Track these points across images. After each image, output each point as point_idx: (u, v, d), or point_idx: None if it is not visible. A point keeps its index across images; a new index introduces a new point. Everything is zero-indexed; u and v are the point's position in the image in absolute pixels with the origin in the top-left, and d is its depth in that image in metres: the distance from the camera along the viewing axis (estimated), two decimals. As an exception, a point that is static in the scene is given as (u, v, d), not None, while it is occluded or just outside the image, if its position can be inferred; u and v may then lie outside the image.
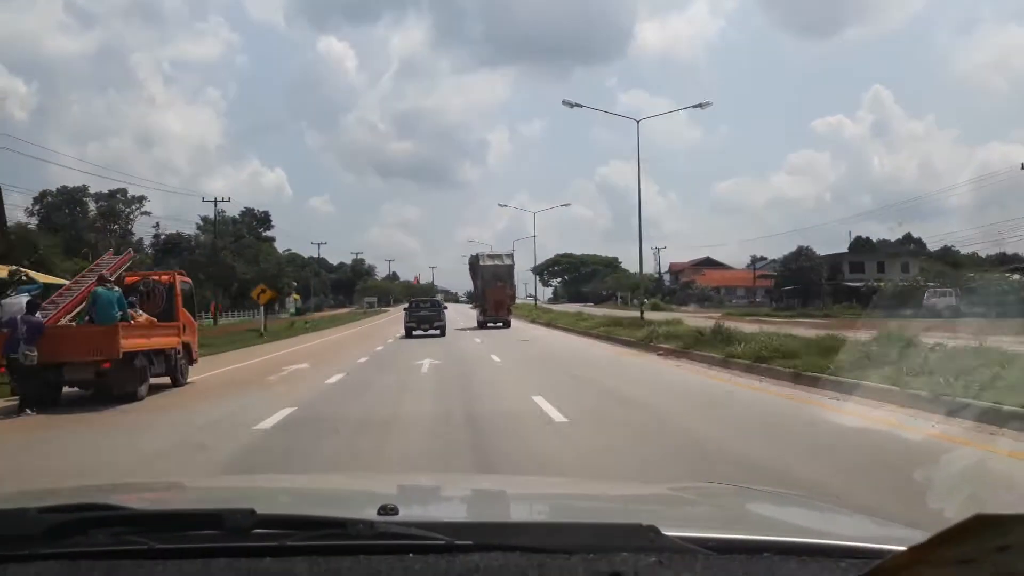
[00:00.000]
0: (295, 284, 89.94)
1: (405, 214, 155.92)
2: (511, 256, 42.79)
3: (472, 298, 60.83)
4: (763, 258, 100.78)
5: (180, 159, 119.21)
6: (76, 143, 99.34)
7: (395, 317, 60.31)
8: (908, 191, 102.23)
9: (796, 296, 62.79)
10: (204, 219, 70.46)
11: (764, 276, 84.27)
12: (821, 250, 57.49)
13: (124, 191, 79.28)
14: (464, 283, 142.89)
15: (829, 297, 57.94)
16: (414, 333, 31.41)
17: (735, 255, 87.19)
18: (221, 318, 62.30)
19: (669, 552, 1.04)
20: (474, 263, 43.32)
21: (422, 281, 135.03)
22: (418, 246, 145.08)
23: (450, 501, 2.09)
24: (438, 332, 31.50)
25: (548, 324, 36.34)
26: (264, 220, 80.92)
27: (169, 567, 1.03)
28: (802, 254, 61.16)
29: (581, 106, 31.50)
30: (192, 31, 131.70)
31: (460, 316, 49.44)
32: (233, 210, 75.57)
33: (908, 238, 77.21)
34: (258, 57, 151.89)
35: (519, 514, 1.84)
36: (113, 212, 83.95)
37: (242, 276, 60.46)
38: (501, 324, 37.50)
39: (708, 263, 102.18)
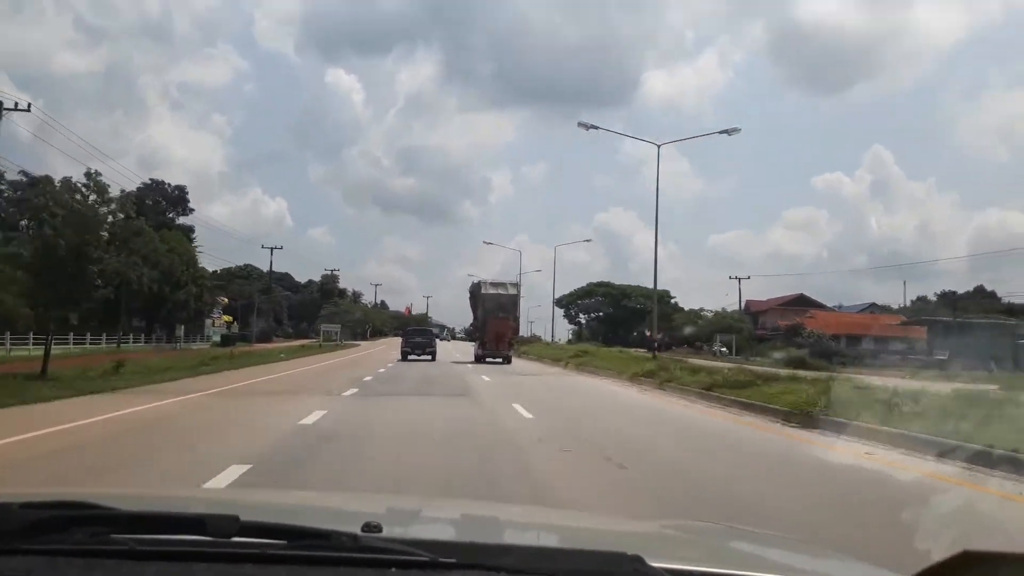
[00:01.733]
0: (223, 300, 62.69)
1: (404, 249, 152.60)
2: (516, 286, 38.38)
3: (470, 332, 56.09)
4: (830, 307, 76.36)
5: (181, 183, 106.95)
6: (77, 163, 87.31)
7: (353, 359, 34.09)
8: (905, 252, 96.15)
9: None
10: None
11: (916, 321, 57.87)
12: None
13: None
14: (461, 318, 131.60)
15: None
16: (409, 357, 33.86)
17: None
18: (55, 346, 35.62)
19: None
20: (475, 291, 38.70)
21: (416, 312, 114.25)
22: (415, 281, 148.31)
23: (436, 522, 2.06)
24: (429, 357, 34.35)
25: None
26: (178, 200, 54.07)
27: (148, 568, 1.01)
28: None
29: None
30: (200, 56, 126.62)
31: (458, 351, 43.25)
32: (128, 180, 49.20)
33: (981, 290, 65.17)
34: (265, 86, 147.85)
35: (505, 537, 1.81)
36: None
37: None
38: (501, 360, 32.78)
39: (802, 302, 75.98)
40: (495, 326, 33.49)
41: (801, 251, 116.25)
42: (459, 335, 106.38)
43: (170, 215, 53.21)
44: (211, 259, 72.94)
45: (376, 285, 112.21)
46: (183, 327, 50.23)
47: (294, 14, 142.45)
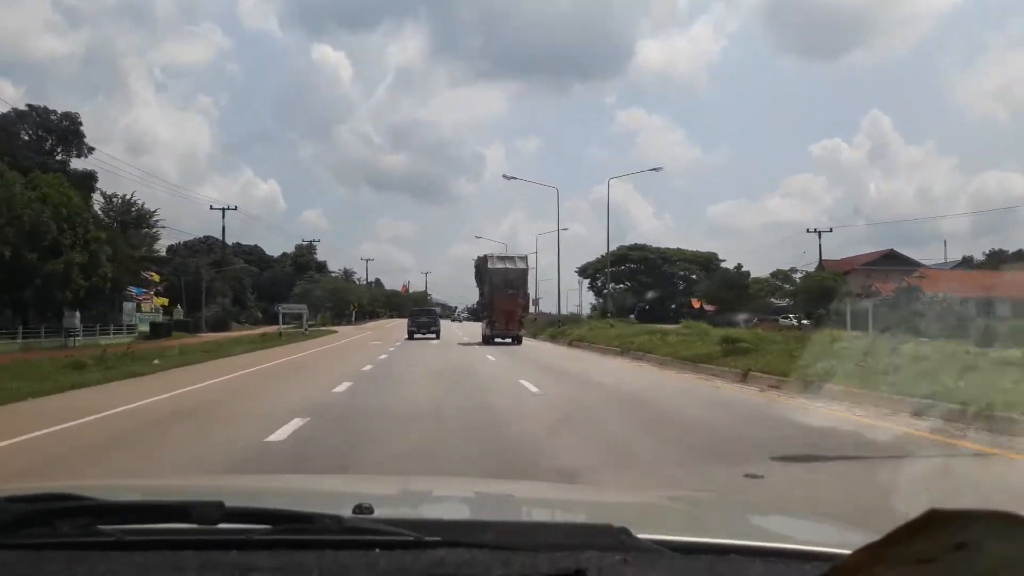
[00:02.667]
0: (152, 276, 47.39)
1: (399, 228, 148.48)
2: (525, 260, 35.13)
3: (475, 311, 54.44)
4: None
5: (169, 167, 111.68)
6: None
7: (300, 363, 20.14)
8: (904, 216, 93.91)
9: None
10: None
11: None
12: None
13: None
14: (461, 296, 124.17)
15: None
16: (415, 336, 35.95)
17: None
18: None
19: (636, 551, 1.03)
20: (481, 265, 35.00)
21: (414, 289, 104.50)
22: (412, 260, 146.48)
23: (427, 501, 2.04)
24: (434, 335, 36.26)
25: None
26: (68, 134, 38.57)
27: (134, 558, 1.01)
28: None
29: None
30: (182, 35, 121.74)
31: (465, 332, 40.49)
32: None
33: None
34: (251, 64, 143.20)
35: (492, 514, 1.77)
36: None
37: None
38: (511, 340, 30.59)
39: (892, 258, 61.50)
40: (503, 303, 31.13)
41: (799, 218, 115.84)
42: (463, 315, 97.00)
43: (57, 155, 37.84)
44: (171, 232, 58.85)
45: (367, 260, 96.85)
46: (77, 313, 35.09)
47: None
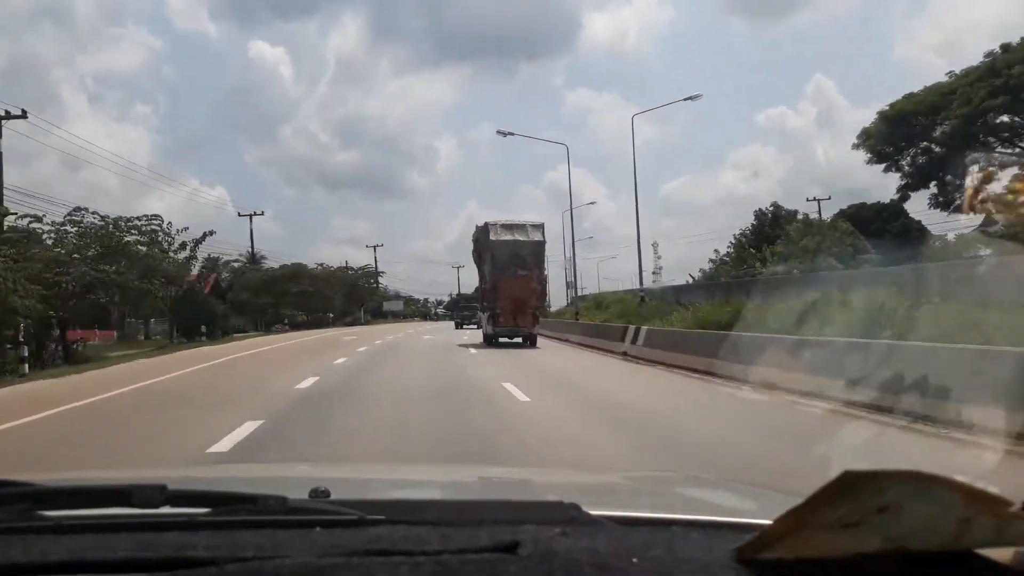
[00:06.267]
0: None
1: (354, 228, 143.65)
2: (541, 229, 24.78)
3: (451, 305, 59.49)
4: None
5: (110, 181, 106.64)
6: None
7: None
8: (857, 182, 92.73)
9: None
10: None
11: None
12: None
13: None
14: (426, 289, 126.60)
15: None
16: (464, 327, 43.00)
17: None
18: None
19: (577, 524, 1.04)
20: (481, 238, 25.11)
21: (359, 264, 75.91)
22: (369, 258, 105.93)
23: (383, 485, 2.03)
24: (475, 326, 35.42)
25: None
26: None
27: (64, 541, 0.99)
28: None
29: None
30: (109, 39, 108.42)
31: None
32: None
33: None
34: (185, 66, 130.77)
35: (444, 494, 1.81)
36: None
37: None
38: (521, 339, 23.36)
39: None
40: (512, 289, 22.87)
41: (753, 190, 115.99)
42: (440, 311, 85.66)
43: None
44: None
45: (252, 215, 54.97)
46: None
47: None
